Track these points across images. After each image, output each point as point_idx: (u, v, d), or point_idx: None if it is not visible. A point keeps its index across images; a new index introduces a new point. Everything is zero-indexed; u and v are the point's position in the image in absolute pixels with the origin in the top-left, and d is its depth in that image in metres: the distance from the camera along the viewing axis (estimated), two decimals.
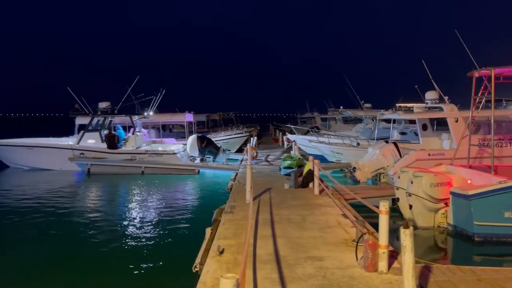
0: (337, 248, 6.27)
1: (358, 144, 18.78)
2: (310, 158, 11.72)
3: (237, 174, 15.12)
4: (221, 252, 5.94)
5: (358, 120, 30.40)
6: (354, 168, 14.43)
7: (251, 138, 24.80)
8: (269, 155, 20.59)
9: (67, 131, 25.51)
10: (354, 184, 14.07)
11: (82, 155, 20.38)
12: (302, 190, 11.31)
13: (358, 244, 5.84)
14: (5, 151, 21.75)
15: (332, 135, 22.01)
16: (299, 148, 18.64)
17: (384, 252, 5.18)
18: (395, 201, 10.26)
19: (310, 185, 11.45)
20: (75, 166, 20.31)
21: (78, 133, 22.03)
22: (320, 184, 10.57)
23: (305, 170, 11.90)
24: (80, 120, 23.52)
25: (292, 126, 30.15)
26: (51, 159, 20.77)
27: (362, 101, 31.80)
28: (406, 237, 4.22)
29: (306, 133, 27.37)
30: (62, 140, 22.36)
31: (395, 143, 14.71)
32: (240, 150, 25.42)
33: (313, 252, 6.07)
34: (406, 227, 4.24)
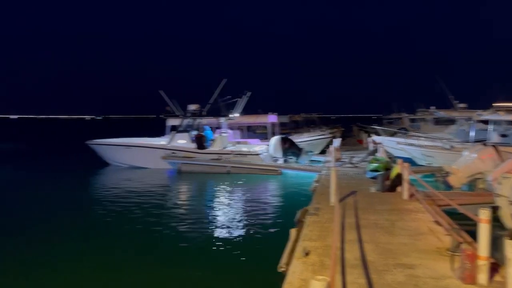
0: (429, 256, 5.94)
1: (451, 146, 17.55)
2: (399, 161, 11.22)
3: (320, 175, 14.99)
4: (307, 254, 5.95)
5: (451, 121, 28.38)
6: (447, 172, 13.51)
7: (335, 140, 24.39)
8: (353, 157, 20.08)
9: (160, 132, 27.29)
10: (447, 190, 13.18)
11: (173, 155, 21.69)
12: (390, 194, 10.88)
13: (454, 253, 5.50)
14: (106, 150, 23.88)
15: (423, 137, 20.81)
16: (386, 150, 17.94)
17: (484, 264, 4.81)
18: (494, 209, 9.42)
19: (398, 189, 10.98)
20: (167, 165, 21.66)
21: (170, 134, 23.44)
22: (409, 189, 10.08)
23: (393, 173, 11.43)
24: (171, 122, 25.02)
25: (378, 127, 29.10)
26: (146, 157, 22.39)
27: (457, 101, 29.57)
28: (511, 249, 3.88)
29: (393, 134, 26.21)
30: (155, 140, 23.94)
31: (494, 146, 13.51)
32: (323, 152, 25.15)
33: (403, 259, 5.82)
34: None
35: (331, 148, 17.49)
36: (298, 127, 36.26)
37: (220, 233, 10.49)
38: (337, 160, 17.81)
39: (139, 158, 22.67)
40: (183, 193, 17.25)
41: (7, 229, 10.90)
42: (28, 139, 54.44)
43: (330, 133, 27.97)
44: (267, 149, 21.75)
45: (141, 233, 10.68)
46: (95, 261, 8.53)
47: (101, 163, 23.90)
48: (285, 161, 21.02)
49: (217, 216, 12.43)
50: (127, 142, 23.67)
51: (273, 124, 27.17)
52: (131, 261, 8.55)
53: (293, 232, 7.59)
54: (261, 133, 28.75)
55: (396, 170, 11.37)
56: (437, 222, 7.72)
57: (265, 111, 27.82)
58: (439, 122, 32.86)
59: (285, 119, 33.31)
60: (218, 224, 11.42)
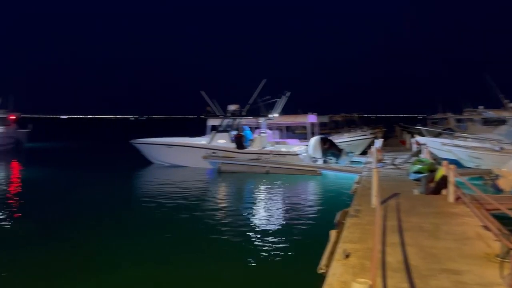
0: (477, 262, 5.70)
1: (501, 148, 16.73)
2: (444, 162, 10.82)
3: (361, 177, 14.73)
4: (347, 256, 5.87)
5: (501, 122, 26.98)
6: (497, 175, 12.90)
7: (376, 140, 23.86)
8: (396, 158, 19.58)
9: (200, 132, 27.76)
10: (496, 193, 12.57)
11: (214, 154, 21.99)
12: (434, 197, 10.52)
13: (504, 260, 5.24)
14: (149, 149, 24.57)
15: (470, 137, 19.95)
16: (430, 151, 17.34)
17: None
18: None
19: (443, 192, 10.59)
20: (207, 164, 21.99)
21: (210, 134, 23.78)
22: (455, 191, 9.70)
23: (438, 175, 11.03)
24: (211, 122, 25.38)
25: (421, 127, 28.19)
26: (187, 157, 22.83)
27: (507, 100, 28.03)
28: None
29: (438, 135, 25.29)
30: (196, 139, 24.35)
31: None
32: (364, 153, 24.68)
33: (448, 264, 5.61)
34: None
35: (373, 148, 17.09)
36: (338, 127, 35.77)
37: (258, 232, 10.53)
38: (379, 161, 17.41)
39: (180, 157, 23.15)
40: (222, 192, 17.47)
41: (54, 227, 11.35)
42: (76, 138, 57.02)
43: (372, 133, 27.39)
44: (306, 149, 21.61)
45: (180, 231, 10.90)
46: (136, 257, 8.81)
47: (145, 162, 24.61)
48: (325, 161, 20.80)
49: (256, 215, 12.48)
50: (169, 141, 24.23)
51: (312, 124, 26.95)
52: (171, 257, 8.76)
53: (333, 233, 7.50)
54: (301, 133, 28.62)
55: (441, 172, 10.98)
56: (486, 227, 7.38)
57: (305, 111, 27.64)
58: (487, 122, 31.39)
59: (325, 119, 32.94)
60: (257, 223, 11.47)
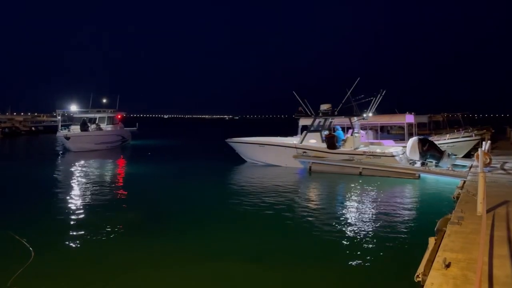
0: None
1: None
2: None
3: (465, 182, 13.64)
4: (448, 266, 5.50)
5: None
6: None
7: (483, 142, 21.87)
8: (506, 162, 17.76)
9: (292, 131, 27.97)
10: None
11: (304, 154, 22.00)
12: None
13: None
14: (243, 147, 25.39)
15: None
16: None
17: None
18: None
19: None
20: (298, 164, 22.07)
21: (301, 133, 23.81)
22: None
23: None
24: (303, 121, 25.43)
25: None
26: (279, 156, 23.15)
27: None
28: None
29: None
30: (287, 139, 24.60)
31: None
32: (468, 155, 22.78)
33: None
34: None
35: (479, 151, 15.65)
36: (439, 127, 33.49)
37: (350, 236, 10.30)
38: (486, 165, 15.93)
39: (272, 156, 23.55)
40: (312, 192, 17.38)
41: (153, 217, 12.24)
42: (176, 136, 61.02)
43: (477, 134, 25.18)
44: (403, 150, 20.58)
45: (267, 229, 11.08)
46: (230, 249, 9.21)
47: (239, 160, 25.47)
48: (424, 164, 19.60)
49: (347, 218, 12.22)
50: (262, 141, 24.77)
51: (410, 124, 25.61)
52: (258, 253, 8.98)
53: (431, 241, 7.09)
54: (397, 134, 27.36)
55: None
56: None
57: (402, 110, 26.38)
58: None
59: (424, 118, 31.12)
60: (348, 226, 11.22)
